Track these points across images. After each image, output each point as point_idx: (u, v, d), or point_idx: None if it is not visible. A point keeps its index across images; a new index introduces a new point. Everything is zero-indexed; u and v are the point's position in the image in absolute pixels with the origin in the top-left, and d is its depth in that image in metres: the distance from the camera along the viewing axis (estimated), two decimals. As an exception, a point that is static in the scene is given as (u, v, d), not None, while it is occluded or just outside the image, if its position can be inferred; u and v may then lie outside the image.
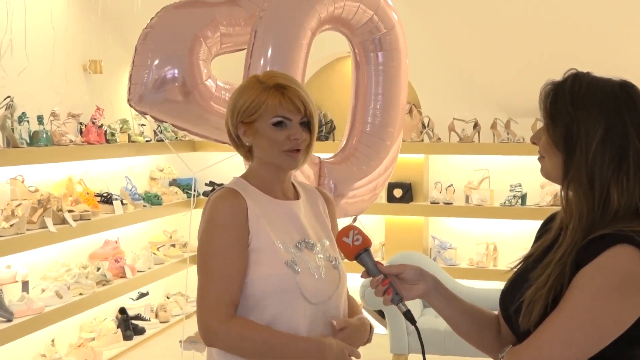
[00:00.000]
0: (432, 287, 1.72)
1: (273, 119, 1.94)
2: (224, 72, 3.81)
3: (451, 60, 5.98)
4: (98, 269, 5.10)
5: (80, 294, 4.84)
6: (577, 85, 1.56)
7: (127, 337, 5.40)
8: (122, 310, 5.52)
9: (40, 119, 4.70)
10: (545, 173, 1.61)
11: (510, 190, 5.83)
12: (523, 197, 5.79)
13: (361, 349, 1.98)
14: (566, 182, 1.55)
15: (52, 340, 4.77)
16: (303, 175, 3.43)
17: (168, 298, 6.21)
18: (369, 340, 2.01)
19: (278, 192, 2.01)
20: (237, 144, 2.02)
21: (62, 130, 4.89)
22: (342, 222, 2.32)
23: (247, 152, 2.02)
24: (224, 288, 1.86)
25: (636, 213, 1.52)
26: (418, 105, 6.19)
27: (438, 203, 5.95)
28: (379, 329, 5.05)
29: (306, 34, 3.38)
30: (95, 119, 5.25)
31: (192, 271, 5.94)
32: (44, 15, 5.07)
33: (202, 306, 1.88)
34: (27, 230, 4.40)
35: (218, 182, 6.33)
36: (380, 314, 5.06)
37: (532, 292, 1.53)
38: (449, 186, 6.03)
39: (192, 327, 4.51)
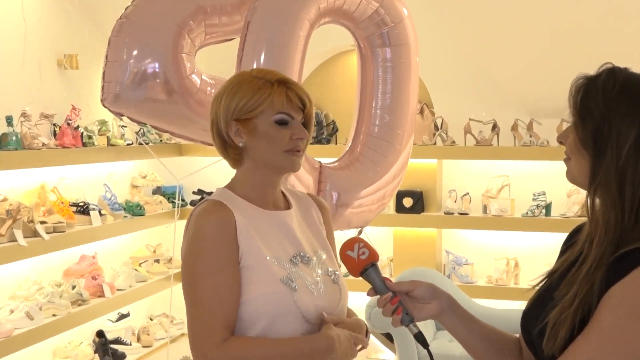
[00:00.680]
0: (446, 307, 1.73)
1: (276, 116, 1.96)
2: (209, 66, 3.82)
3: (467, 55, 5.99)
4: (73, 287, 5.10)
5: (54, 315, 4.84)
6: (611, 81, 1.56)
7: (105, 363, 5.39)
8: (100, 334, 5.51)
9: (9, 120, 4.70)
10: (571, 176, 1.62)
11: (533, 200, 5.83)
12: (547, 207, 5.79)
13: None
14: (593, 187, 1.55)
15: (22, 367, 4.77)
16: (301, 183, 3.44)
17: (151, 320, 6.20)
18: (364, 346, 2.01)
19: (268, 202, 2.02)
20: (226, 145, 2.02)
21: (33, 133, 4.90)
22: (346, 235, 2.32)
23: (237, 155, 2.02)
24: (216, 311, 1.87)
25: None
26: (430, 105, 6.20)
27: (452, 214, 5.95)
28: (386, 354, 5.05)
29: (303, 24, 3.40)
30: (70, 119, 5.26)
31: (177, 290, 5.95)
32: (13, 5, 5.09)
33: (194, 334, 1.88)
34: (-5, 243, 4.41)
35: (207, 190, 6.34)
36: (389, 338, 5.06)
37: (557, 313, 1.53)
38: (465, 195, 6.03)
39: (177, 352, 4.51)
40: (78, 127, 5.36)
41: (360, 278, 1.79)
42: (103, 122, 5.67)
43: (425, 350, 1.72)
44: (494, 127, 5.90)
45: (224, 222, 1.91)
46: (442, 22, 5.89)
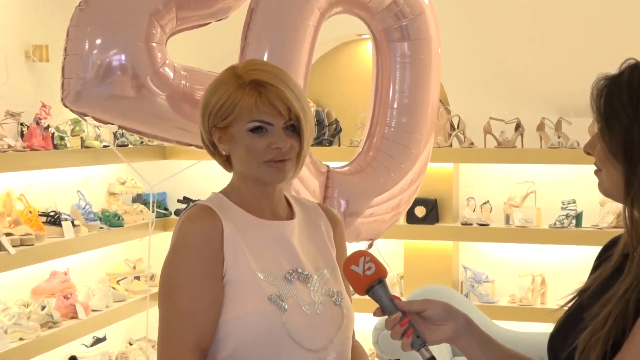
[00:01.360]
0: (463, 329, 1.73)
1: (249, 124, 1.96)
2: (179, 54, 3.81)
3: (487, 45, 5.99)
4: (43, 308, 5.10)
5: (21, 339, 4.83)
6: (636, 79, 1.57)
7: (79, 394, 5.39)
8: (73, 360, 5.52)
9: (-29, 119, 4.71)
10: (604, 189, 1.62)
11: (562, 209, 5.83)
12: (578, 217, 5.79)
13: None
14: (629, 198, 1.55)
15: (-15, 398, 4.77)
16: (306, 188, 3.45)
17: (130, 344, 6.20)
18: None
19: (265, 211, 2.01)
20: (213, 152, 2.04)
21: (-2, 133, 4.91)
22: (353, 247, 2.32)
23: (225, 162, 2.04)
24: (188, 329, 1.87)
25: None
26: (446, 102, 6.20)
27: (471, 224, 5.96)
28: (396, 383, 5.04)
29: (313, 13, 3.43)
30: (40, 118, 5.26)
31: (154, 312, 5.94)
32: (-24, -11, 5.10)
33: (161, 353, 1.89)
34: (-46, 258, 4.41)
35: (194, 198, 6.34)
36: (398, 365, 5.05)
37: (587, 336, 1.53)
38: (485, 203, 6.03)
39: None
40: (48, 127, 5.36)
41: (367, 296, 1.79)
42: (76, 122, 5.67)
43: (439, 378, 1.72)
44: (518, 126, 5.91)
45: (209, 230, 1.92)
46: (460, 9, 5.90)
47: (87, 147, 5.68)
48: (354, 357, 2.07)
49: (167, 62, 3.47)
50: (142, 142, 6.33)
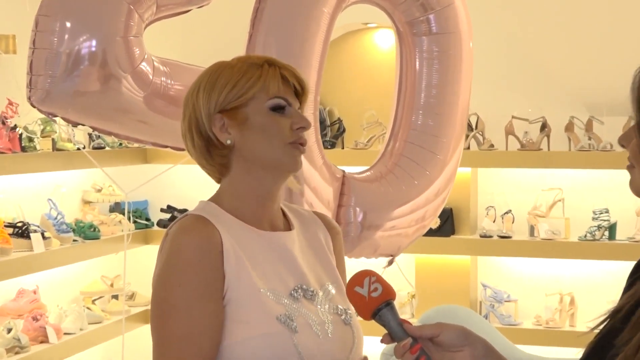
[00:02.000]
0: (481, 356, 1.73)
1: (271, 101, 1.99)
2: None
3: (509, 37, 6.00)
4: (9, 331, 5.10)
5: (-16, 365, 4.84)
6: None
7: None
8: (43, 389, 5.51)
9: None
10: (635, 187, 1.63)
11: (594, 219, 5.83)
12: (611, 228, 5.80)
13: None
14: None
15: None
16: (317, 196, 3.43)
17: (108, 372, 6.20)
18: None
19: (263, 220, 2.02)
20: (210, 147, 2.02)
21: (-41, 134, 4.92)
22: (365, 265, 2.31)
23: (224, 159, 2.02)
24: (189, 356, 1.87)
25: None
26: (462, 99, 6.22)
27: (491, 237, 5.96)
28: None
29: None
30: (6, 117, 5.27)
31: (133, 336, 5.95)
32: None
33: None
34: None
35: (180, 207, 6.34)
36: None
37: (619, 365, 1.53)
38: (506, 213, 6.03)
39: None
40: (16, 127, 5.37)
41: (373, 321, 1.79)
42: (47, 122, 5.67)
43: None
44: (543, 127, 5.91)
45: (207, 243, 1.92)
46: (482, 1, 5.91)
47: (59, 149, 5.68)
48: None
49: (146, 57, 3.48)
50: (120, 145, 6.33)
